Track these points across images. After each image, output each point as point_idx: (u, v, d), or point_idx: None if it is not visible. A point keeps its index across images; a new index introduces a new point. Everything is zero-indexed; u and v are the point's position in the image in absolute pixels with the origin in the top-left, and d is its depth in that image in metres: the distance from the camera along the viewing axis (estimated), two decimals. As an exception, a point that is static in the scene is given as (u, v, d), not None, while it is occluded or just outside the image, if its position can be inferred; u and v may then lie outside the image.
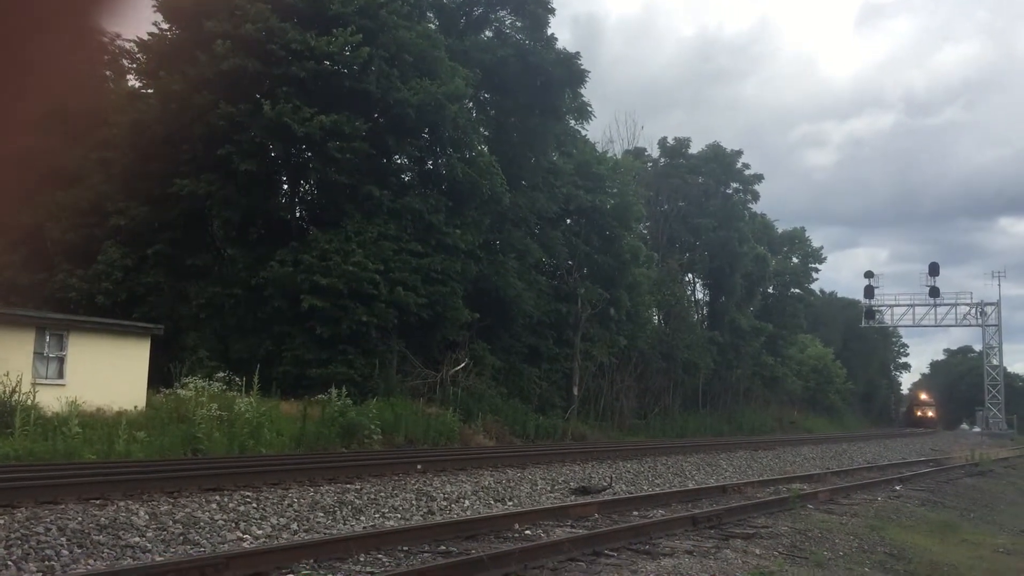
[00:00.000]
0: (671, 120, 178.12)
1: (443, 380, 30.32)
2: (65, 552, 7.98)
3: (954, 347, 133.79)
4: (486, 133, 36.55)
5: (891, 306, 79.72)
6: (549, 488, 15.57)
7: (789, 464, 25.73)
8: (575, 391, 38.64)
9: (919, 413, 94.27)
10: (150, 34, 30.48)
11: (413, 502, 12.50)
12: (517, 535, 10.17)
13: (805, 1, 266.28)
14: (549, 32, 37.54)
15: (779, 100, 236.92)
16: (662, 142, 60.29)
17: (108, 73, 36.44)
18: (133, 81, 34.14)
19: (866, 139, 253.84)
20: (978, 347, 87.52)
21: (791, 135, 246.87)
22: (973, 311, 76.71)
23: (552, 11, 37.32)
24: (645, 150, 58.54)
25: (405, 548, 8.88)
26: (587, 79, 37.67)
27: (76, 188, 30.28)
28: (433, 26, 34.52)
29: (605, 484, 16.54)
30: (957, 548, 11.90)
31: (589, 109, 41.06)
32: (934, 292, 75.59)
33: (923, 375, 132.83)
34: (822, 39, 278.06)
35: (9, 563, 7.41)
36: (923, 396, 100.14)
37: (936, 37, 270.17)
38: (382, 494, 12.91)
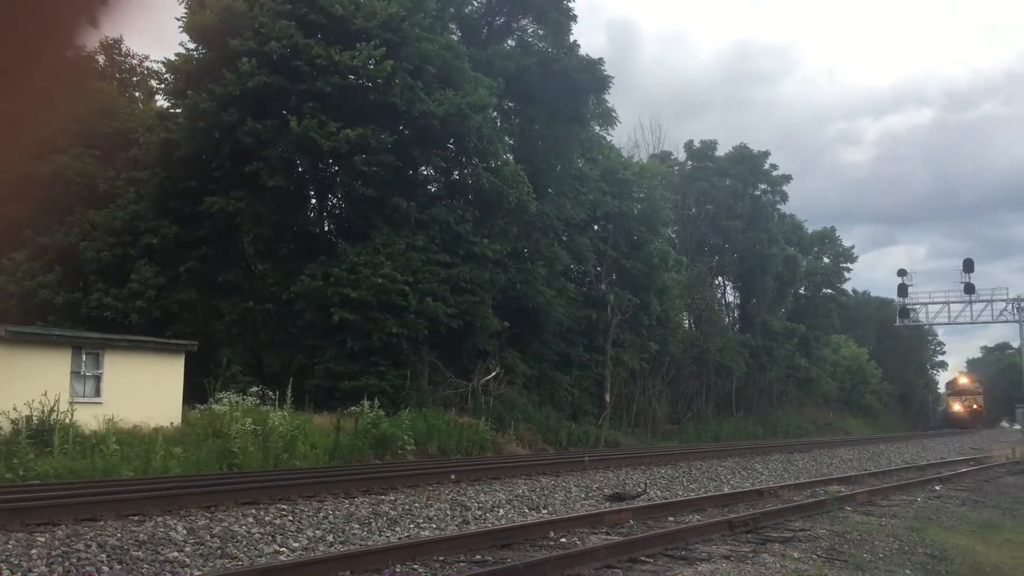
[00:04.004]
0: (706, 121, 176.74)
1: (475, 389, 30.33)
2: (105, 568, 8.08)
3: (992, 344, 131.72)
4: (511, 142, 36.60)
5: (925, 304, 78.34)
6: (583, 495, 15.52)
7: (826, 466, 25.46)
8: (607, 397, 38.50)
9: (958, 407, 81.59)
10: (177, 55, 30.92)
11: (448, 512, 12.52)
12: (552, 543, 10.15)
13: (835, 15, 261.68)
14: (572, 39, 37.57)
15: (815, 98, 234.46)
16: (688, 145, 60.07)
17: (137, 95, 37.10)
18: (161, 101, 34.73)
19: (903, 135, 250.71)
20: (1016, 343, 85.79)
21: (826, 133, 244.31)
22: (1010, 307, 75.42)
23: (574, 18, 37.33)
24: (671, 154, 58.42)
25: (441, 558, 8.89)
26: (611, 85, 37.62)
27: (109, 208, 30.76)
28: (455, 37, 34.64)
29: (639, 490, 16.46)
30: (1000, 548, 11.71)
31: (614, 115, 41.11)
32: (969, 289, 74.21)
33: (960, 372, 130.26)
34: (857, 41, 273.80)
35: (51, 580, 7.51)
36: (963, 380, 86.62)
37: (979, 31, 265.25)
38: (416, 505, 12.93)
